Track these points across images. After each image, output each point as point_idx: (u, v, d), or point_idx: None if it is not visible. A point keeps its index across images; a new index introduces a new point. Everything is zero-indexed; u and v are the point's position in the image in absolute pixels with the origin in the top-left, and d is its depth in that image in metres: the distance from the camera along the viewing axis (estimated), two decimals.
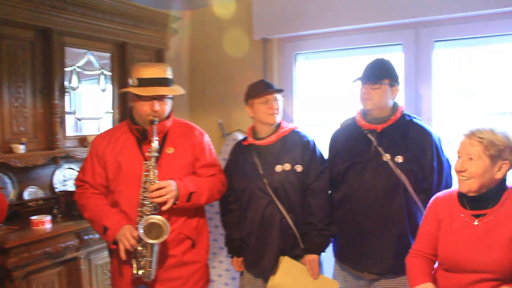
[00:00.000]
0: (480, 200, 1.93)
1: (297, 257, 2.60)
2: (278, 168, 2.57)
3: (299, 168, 2.57)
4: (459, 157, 1.95)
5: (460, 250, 1.90)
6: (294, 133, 2.68)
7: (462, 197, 1.99)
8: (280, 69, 3.70)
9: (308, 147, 2.62)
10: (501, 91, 3.05)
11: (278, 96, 2.64)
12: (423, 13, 3.04)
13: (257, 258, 2.59)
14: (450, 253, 1.94)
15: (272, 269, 2.57)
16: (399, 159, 2.38)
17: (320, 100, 3.78)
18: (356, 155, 2.49)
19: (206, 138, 2.59)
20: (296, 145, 2.62)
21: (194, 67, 4.13)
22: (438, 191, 2.42)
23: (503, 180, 1.92)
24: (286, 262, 2.55)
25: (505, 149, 1.86)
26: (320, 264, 2.60)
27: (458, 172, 1.93)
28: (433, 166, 2.39)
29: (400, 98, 3.07)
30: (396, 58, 3.19)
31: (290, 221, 2.54)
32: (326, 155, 2.70)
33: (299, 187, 2.58)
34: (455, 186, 2.06)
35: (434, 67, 3.15)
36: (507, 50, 3.04)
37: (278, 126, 2.67)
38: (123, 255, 2.23)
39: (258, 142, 2.66)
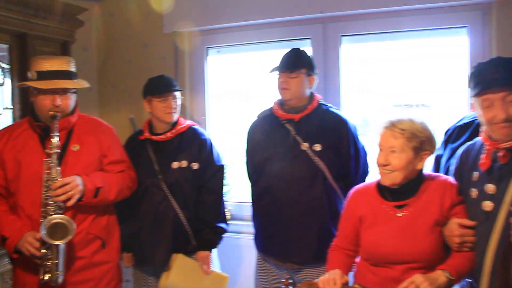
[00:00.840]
0: (401, 191, 1.94)
1: (190, 253, 2.61)
2: (175, 164, 2.57)
3: (195, 165, 2.59)
4: (380, 149, 1.94)
5: (386, 243, 1.91)
6: (191, 130, 2.69)
7: (383, 189, 1.99)
8: (192, 63, 3.65)
9: (205, 146, 2.64)
10: (406, 85, 3.23)
11: (178, 94, 2.62)
12: (330, 8, 3.13)
13: (149, 255, 2.57)
14: (376, 247, 1.94)
15: (164, 267, 2.56)
16: (317, 147, 2.43)
17: (233, 93, 3.78)
18: (275, 145, 2.51)
19: (114, 134, 2.49)
20: (194, 142, 2.63)
21: (104, 60, 3.94)
22: (356, 178, 2.48)
23: (421, 169, 1.96)
24: (179, 260, 2.57)
25: (426, 139, 1.89)
26: (212, 260, 2.65)
27: (381, 165, 1.91)
28: (350, 153, 2.47)
29: None
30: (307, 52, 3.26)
31: (183, 218, 2.55)
32: (243, 148, 2.72)
33: (195, 184, 2.59)
34: (373, 175, 2.10)
35: (341, 61, 3.25)
36: (410, 46, 3.22)
37: (176, 122, 2.64)
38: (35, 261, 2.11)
39: (155, 138, 2.62)
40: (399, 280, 1.81)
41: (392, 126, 1.89)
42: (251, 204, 2.68)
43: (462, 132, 2.23)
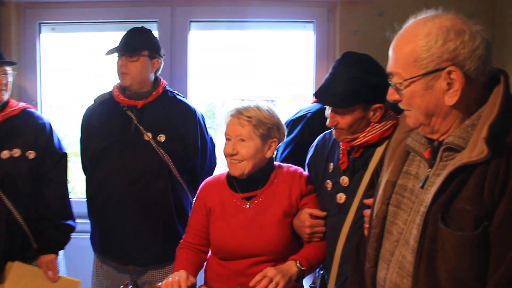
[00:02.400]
0: (250, 182, 1.91)
1: (30, 259, 2.23)
2: (5, 154, 2.16)
3: (31, 154, 2.21)
4: (228, 139, 1.89)
5: (233, 236, 1.87)
6: (25, 113, 2.29)
7: (232, 180, 1.94)
8: (20, 39, 3.17)
9: (43, 131, 2.27)
10: (254, 76, 3.18)
11: (8, 69, 2.23)
12: None
13: None
14: (223, 241, 1.89)
15: None
16: (162, 138, 2.24)
17: (70, 75, 3.40)
18: (114, 134, 2.28)
19: None
20: (29, 127, 2.25)
21: None
22: (203, 171, 2.35)
23: (271, 159, 1.94)
24: (16, 269, 2.17)
25: (273, 126, 1.88)
26: (58, 264, 2.29)
27: (229, 155, 1.87)
28: (198, 145, 2.34)
29: None
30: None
31: (18, 217, 2.16)
32: (78, 135, 2.43)
33: (31, 176, 2.22)
34: (220, 166, 2.01)
35: (190, 48, 3.08)
36: (260, 37, 3.20)
37: (6, 104, 2.25)
38: None
39: None
40: (249, 274, 1.78)
41: (239, 114, 1.85)
42: (86, 199, 2.40)
43: (295, 126, 2.24)
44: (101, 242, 2.37)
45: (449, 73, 1.12)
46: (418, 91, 1.17)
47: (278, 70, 3.19)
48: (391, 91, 1.25)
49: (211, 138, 2.47)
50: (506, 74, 1.17)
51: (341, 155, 1.87)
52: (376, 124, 1.79)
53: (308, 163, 2.05)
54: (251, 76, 3.23)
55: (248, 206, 1.89)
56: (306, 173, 1.98)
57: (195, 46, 3.13)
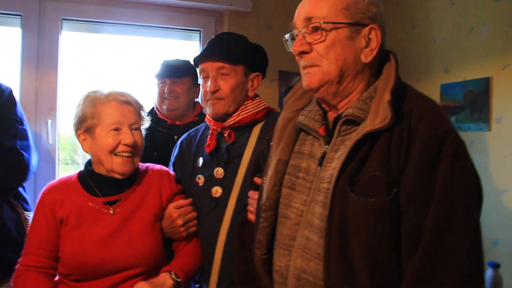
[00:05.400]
0: (113, 184, 1.60)
1: None
2: None
3: None
4: (119, 130, 1.58)
5: (95, 248, 1.52)
6: None
7: (89, 183, 1.61)
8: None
9: None
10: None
11: None
12: None
13: None
14: (81, 256, 1.51)
15: None
16: None
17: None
18: None
19: None
20: None
21: None
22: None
23: None
24: None
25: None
26: None
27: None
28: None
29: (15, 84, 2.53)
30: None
31: None
32: None
33: None
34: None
35: (61, 50, 2.72)
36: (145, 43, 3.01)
37: None
38: None
39: None
40: None
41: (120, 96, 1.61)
42: None
43: None
44: None
45: (369, 31, 1.13)
46: (341, 40, 1.13)
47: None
48: (299, 42, 1.17)
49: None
50: (395, 54, 1.20)
51: (209, 137, 1.71)
52: (249, 102, 1.71)
53: (173, 163, 1.87)
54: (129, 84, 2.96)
55: (112, 212, 1.58)
56: (172, 172, 1.79)
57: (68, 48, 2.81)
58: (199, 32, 2.95)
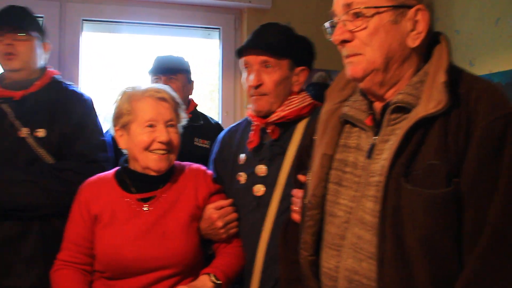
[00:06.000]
0: (147, 181, 1.58)
1: None
2: None
3: None
4: (153, 125, 1.55)
5: (129, 245, 1.49)
6: None
7: (124, 179, 1.60)
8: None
9: None
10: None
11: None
12: None
13: None
14: (115, 253, 1.49)
15: None
16: (41, 133, 1.80)
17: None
18: None
19: None
20: None
21: None
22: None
23: None
24: None
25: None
26: None
27: (163, 143, 1.54)
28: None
29: None
30: None
31: None
32: None
33: None
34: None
35: (82, 48, 2.73)
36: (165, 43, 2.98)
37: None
38: None
39: None
40: None
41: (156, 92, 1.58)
42: None
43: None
44: None
45: (415, 13, 1.04)
46: (384, 25, 1.04)
47: None
48: (339, 30, 1.08)
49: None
50: (446, 35, 1.11)
51: (252, 133, 1.66)
52: (294, 97, 1.65)
53: (214, 159, 1.82)
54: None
55: (146, 209, 1.56)
56: (210, 171, 1.73)
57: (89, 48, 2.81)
58: (218, 30, 2.93)
